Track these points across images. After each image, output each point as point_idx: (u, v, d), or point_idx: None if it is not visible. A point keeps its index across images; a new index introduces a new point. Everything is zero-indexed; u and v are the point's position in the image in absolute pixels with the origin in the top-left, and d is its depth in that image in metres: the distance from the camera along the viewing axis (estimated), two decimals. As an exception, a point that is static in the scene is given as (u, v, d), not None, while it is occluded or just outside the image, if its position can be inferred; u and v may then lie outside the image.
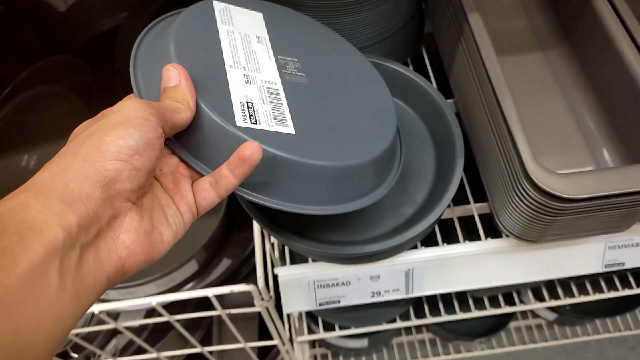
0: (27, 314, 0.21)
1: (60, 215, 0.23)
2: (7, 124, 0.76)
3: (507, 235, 0.48)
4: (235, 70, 0.36)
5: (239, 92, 0.35)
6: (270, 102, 0.36)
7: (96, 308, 0.50)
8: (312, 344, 0.91)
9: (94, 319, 0.63)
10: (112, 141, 0.25)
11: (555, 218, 0.41)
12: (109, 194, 0.25)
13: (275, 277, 0.54)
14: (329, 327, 0.70)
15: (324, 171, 0.34)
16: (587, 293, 0.71)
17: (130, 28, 0.74)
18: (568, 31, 0.51)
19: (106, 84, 0.76)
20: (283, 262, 0.51)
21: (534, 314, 0.95)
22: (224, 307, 0.52)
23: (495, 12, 0.54)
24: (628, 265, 0.52)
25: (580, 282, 0.73)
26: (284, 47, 0.41)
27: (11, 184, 0.75)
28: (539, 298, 0.74)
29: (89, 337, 0.61)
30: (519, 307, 0.69)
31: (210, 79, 0.34)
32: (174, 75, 0.31)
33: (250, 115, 0.33)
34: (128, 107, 0.28)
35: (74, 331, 0.56)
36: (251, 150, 0.29)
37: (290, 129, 0.35)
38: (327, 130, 0.37)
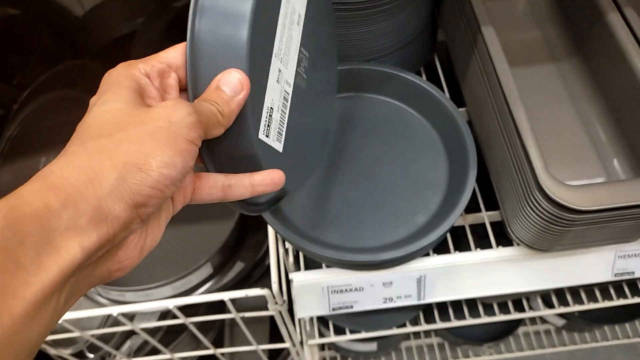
0: (23, 342, 0.20)
1: (84, 233, 0.21)
2: (25, 127, 0.78)
3: (518, 244, 0.48)
4: (276, 62, 0.31)
5: (270, 93, 0.30)
6: (281, 110, 0.32)
7: (114, 310, 0.51)
8: (322, 346, 0.91)
9: (109, 320, 0.65)
10: (156, 168, 0.23)
11: (566, 229, 0.41)
12: (132, 216, 0.23)
13: (288, 281, 0.55)
14: (339, 331, 0.71)
15: None
16: (596, 300, 0.71)
17: (146, 34, 0.76)
18: (580, 43, 0.52)
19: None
20: (297, 268, 0.52)
21: (543, 320, 0.95)
22: (237, 309, 0.53)
23: (508, 24, 0.55)
24: (638, 274, 0.52)
25: (590, 289, 0.73)
26: (306, 35, 0.34)
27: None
28: (548, 304, 0.74)
29: (105, 338, 0.63)
30: (528, 314, 0.70)
31: (256, 70, 0.28)
32: (237, 87, 0.27)
33: (267, 126, 0.30)
34: (179, 118, 0.25)
35: (91, 332, 0.57)
36: (280, 177, 0.30)
37: (280, 146, 0.32)
38: (301, 147, 0.36)
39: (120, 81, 0.28)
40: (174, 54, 0.30)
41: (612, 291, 0.74)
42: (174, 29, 0.75)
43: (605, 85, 0.49)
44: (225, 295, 0.50)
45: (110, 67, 0.88)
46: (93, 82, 0.89)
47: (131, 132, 0.24)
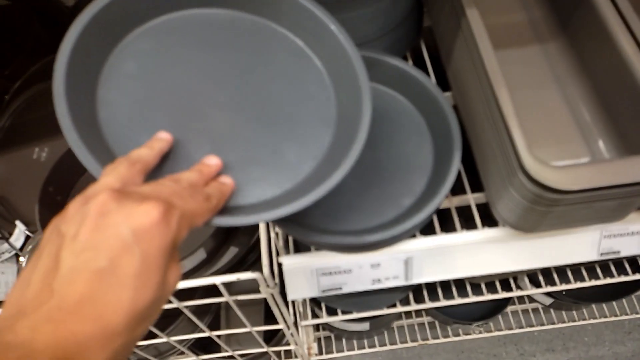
0: None
1: None
2: (17, 117, 0.78)
3: (503, 225, 0.49)
4: None
5: None
6: None
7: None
8: (316, 327, 0.93)
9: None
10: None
11: (549, 209, 0.42)
12: None
13: (279, 265, 0.56)
14: (332, 312, 0.73)
15: None
16: (583, 279, 0.73)
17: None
18: (565, 24, 0.52)
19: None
20: (287, 251, 0.53)
21: (531, 299, 0.97)
22: (231, 293, 0.54)
23: (493, 6, 0.55)
24: (624, 254, 0.53)
25: (576, 268, 0.75)
26: None
27: (24, 176, 0.77)
28: (535, 284, 0.76)
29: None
30: (515, 293, 0.72)
31: None
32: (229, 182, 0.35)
33: None
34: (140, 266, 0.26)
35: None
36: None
37: None
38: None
39: None
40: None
41: (598, 270, 0.76)
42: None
43: (590, 66, 0.50)
44: (218, 279, 0.51)
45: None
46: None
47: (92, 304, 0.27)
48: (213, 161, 0.35)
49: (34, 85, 0.79)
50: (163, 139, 0.35)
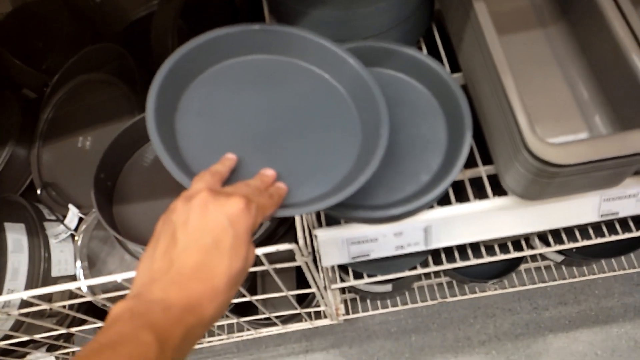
0: None
1: None
2: (59, 109, 0.84)
3: (511, 194, 0.55)
4: None
5: None
6: None
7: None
8: (342, 290, 1.01)
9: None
10: (212, 314, 0.34)
11: (551, 180, 0.48)
12: None
13: (311, 236, 0.63)
14: (358, 276, 0.80)
15: None
16: (589, 237, 0.78)
17: (162, 15, 0.80)
18: (566, 8, 0.56)
19: (144, 68, 0.83)
20: (319, 224, 0.60)
21: (543, 257, 1.02)
22: (268, 262, 0.61)
23: (499, -8, 0.59)
24: (622, 215, 0.58)
25: (583, 227, 0.80)
26: None
27: (71, 162, 0.84)
28: (545, 243, 0.82)
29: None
30: (526, 252, 0.78)
31: None
32: (283, 186, 0.44)
33: None
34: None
35: (118, 293, 0.66)
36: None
37: None
38: None
39: None
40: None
41: (604, 228, 0.81)
42: (188, 9, 0.79)
43: (588, 47, 0.54)
44: (260, 251, 0.58)
45: (130, 49, 0.94)
46: (114, 64, 0.95)
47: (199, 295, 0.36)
48: (269, 172, 0.44)
49: (72, 79, 0.84)
50: (230, 158, 0.44)
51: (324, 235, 0.56)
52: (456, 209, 0.56)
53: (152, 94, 0.45)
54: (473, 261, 0.74)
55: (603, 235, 0.78)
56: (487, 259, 0.74)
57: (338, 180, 0.47)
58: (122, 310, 0.32)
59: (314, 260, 0.65)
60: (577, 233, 0.80)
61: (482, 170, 0.58)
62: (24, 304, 0.64)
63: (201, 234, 0.35)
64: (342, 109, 0.51)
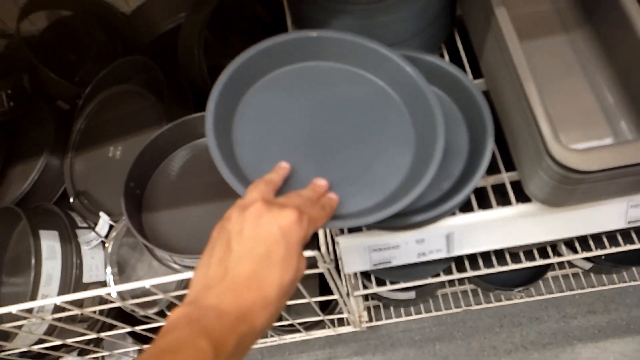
0: None
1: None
2: (91, 120, 0.87)
3: (535, 201, 0.55)
4: None
5: None
6: None
7: (190, 274, 0.61)
8: (365, 297, 1.01)
9: (184, 283, 0.76)
10: (264, 324, 0.34)
11: (575, 187, 0.47)
12: None
13: (333, 243, 0.63)
14: (380, 282, 0.80)
15: None
16: (618, 244, 0.77)
17: (189, 27, 0.83)
18: (590, 13, 0.56)
19: (172, 79, 0.86)
20: (341, 231, 0.61)
21: (571, 264, 1.00)
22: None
23: (521, -2, 0.59)
24: (651, 221, 0.58)
25: (612, 234, 0.79)
26: None
27: (102, 172, 0.87)
28: (572, 250, 0.81)
29: (182, 298, 0.73)
30: (553, 260, 0.77)
31: None
32: (334, 197, 0.44)
33: None
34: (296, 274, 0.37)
35: (171, 293, 0.68)
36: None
37: None
38: None
39: None
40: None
41: (633, 235, 0.79)
42: (214, 21, 0.81)
43: (613, 52, 0.54)
44: (283, 258, 0.59)
45: (158, 61, 0.97)
46: (143, 76, 0.98)
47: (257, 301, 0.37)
48: (321, 182, 0.45)
49: (103, 89, 0.87)
50: (284, 167, 0.45)
51: (345, 242, 0.57)
52: (479, 216, 0.55)
53: (211, 102, 0.46)
54: (497, 268, 0.73)
55: (632, 242, 0.77)
56: (511, 266, 0.73)
57: (390, 192, 0.47)
58: (179, 316, 0.33)
59: (336, 267, 0.66)
60: (605, 240, 0.79)
61: (505, 177, 0.58)
62: (57, 309, 0.67)
63: (255, 244, 0.36)
64: (396, 118, 0.51)
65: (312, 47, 0.52)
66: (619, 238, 0.78)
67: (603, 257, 0.90)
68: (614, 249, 0.75)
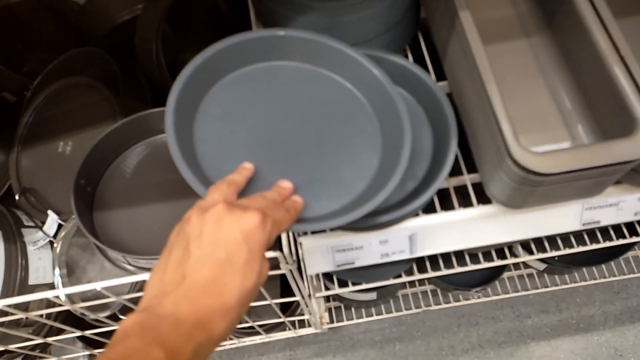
0: None
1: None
2: (39, 113, 0.83)
3: (496, 202, 0.55)
4: None
5: None
6: None
7: (146, 276, 0.59)
8: (327, 298, 1.01)
9: (138, 285, 0.73)
10: (223, 331, 0.33)
11: (535, 188, 0.48)
12: None
13: (296, 243, 0.62)
14: (342, 284, 0.80)
15: None
16: (571, 246, 0.79)
17: (146, 19, 0.80)
18: (549, 19, 0.57)
19: (128, 72, 0.82)
20: (304, 232, 0.59)
21: (525, 265, 1.04)
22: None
23: (484, 3, 0.60)
24: (603, 223, 0.59)
25: (565, 236, 0.82)
26: None
27: (51, 168, 0.82)
28: (528, 251, 0.83)
29: (136, 301, 0.70)
30: (509, 260, 0.78)
31: None
32: (299, 200, 0.42)
33: None
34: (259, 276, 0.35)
35: (124, 296, 0.65)
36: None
37: None
38: None
39: None
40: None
41: (586, 237, 0.82)
42: (173, 14, 0.79)
43: (571, 58, 0.55)
44: (243, 259, 0.57)
45: (114, 53, 0.93)
46: (97, 68, 0.93)
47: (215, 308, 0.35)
48: (286, 184, 0.43)
49: (52, 82, 0.83)
50: (248, 167, 0.44)
51: (309, 243, 0.56)
52: (441, 217, 0.56)
53: (172, 98, 0.44)
54: (457, 269, 0.74)
55: (585, 244, 0.79)
56: (471, 267, 0.74)
57: (357, 195, 0.46)
58: (132, 323, 0.31)
59: (299, 268, 0.65)
60: (559, 241, 0.81)
61: (467, 179, 0.58)
62: (-1, 312, 0.62)
63: (215, 248, 0.34)
64: (363, 120, 0.50)
65: (278, 46, 0.50)
66: (572, 240, 0.81)
67: (556, 258, 0.93)
68: (568, 250, 0.78)
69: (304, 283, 0.70)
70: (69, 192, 0.65)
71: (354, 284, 0.78)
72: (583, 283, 1.02)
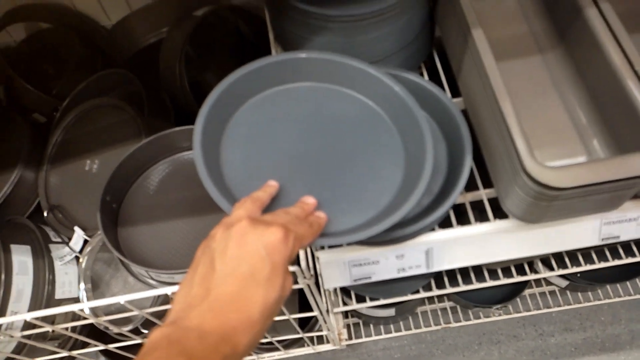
0: None
1: None
2: (68, 133, 0.86)
3: (512, 217, 0.55)
4: None
5: None
6: None
7: (168, 290, 0.60)
8: (346, 314, 1.00)
9: (159, 299, 0.74)
10: (247, 345, 0.33)
11: (551, 203, 0.48)
12: None
13: (313, 258, 0.63)
14: (360, 299, 0.80)
15: None
16: (592, 262, 0.78)
17: (170, 42, 0.83)
18: (563, 35, 0.58)
19: (153, 93, 0.85)
20: (321, 247, 0.60)
21: (548, 282, 1.02)
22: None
23: (497, 20, 0.61)
24: (623, 238, 0.59)
25: (586, 252, 0.80)
26: None
27: (78, 185, 0.85)
28: (549, 267, 0.82)
29: (157, 315, 0.72)
30: (529, 276, 0.78)
31: None
32: (323, 215, 0.43)
33: None
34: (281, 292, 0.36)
35: (147, 310, 0.66)
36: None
37: None
38: None
39: None
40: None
41: (607, 253, 0.81)
42: (196, 36, 0.82)
43: (585, 73, 0.55)
44: (262, 273, 0.58)
45: (139, 74, 0.97)
46: (123, 89, 0.97)
47: (241, 312, 0.36)
48: (310, 200, 0.45)
49: (80, 103, 0.86)
50: (272, 185, 0.45)
51: (326, 257, 0.57)
52: (457, 232, 0.56)
53: (200, 119, 0.46)
54: (476, 285, 0.73)
55: (606, 260, 0.78)
56: (490, 283, 0.74)
57: (379, 210, 0.47)
58: (159, 337, 0.32)
59: (316, 283, 0.65)
60: (580, 257, 0.80)
61: (483, 194, 0.59)
62: (27, 325, 0.64)
63: (239, 263, 0.35)
64: (385, 137, 0.51)
65: (300, 67, 0.52)
66: (594, 256, 0.80)
67: (579, 275, 0.92)
68: (589, 267, 0.77)
69: (321, 298, 0.70)
70: (94, 209, 0.67)
71: (371, 299, 0.78)
72: (607, 300, 0.99)
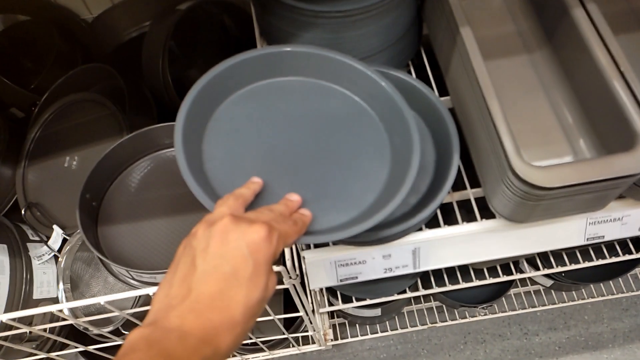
0: None
1: None
2: (46, 128, 0.84)
3: (499, 217, 0.55)
4: None
5: None
6: None
7: (150, 290, 0.59)
8: (331, 314, 1.00)
9: (141, 300, 0.72)
10: (229, 346, 0.32)
11: (537, 203, 0.48)
12: None
13: (299, 257, 0.62)
14: (346, 299, 0.79)
15: None
16: (577, 261, 0.79)
17: (153, 36, 0.81)
18: (550, 35, 0.58)
19: (135, 88, 0.83)
20: (307, 246, 0.59)
21: (532, 281, 1.02)
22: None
23: (485, 19, 0.61)
24: (608, 238, 0.59)
25: (571, 251, 0.81)
26: None
27: (57, 182, 0.83)
28: (534, 266, 0.82)
29: (139, 316, 0.70)
30: (515, 276, 0.78)
31: None
32: (308, 213, 0.42)
33: None
34: (266, 290, 0.35)
35: (127, 311, 0.65)
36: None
37: None
38: None
39: None
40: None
41: (592, 253, 0.81)
42: (180, 31, 0.80)
43: (572, 73, 0.55)
44: (246, 273, 0.57)
45: (120, 70, 0.94)
46: (104, 84, 0.95)
47: (226, 310, 0.35)
48: (294, 197, 0.43)
49: (59, 98, 0.84)
50: (256, 182, 0.44)
51: (312, 257, 0.56)
52: (444, 231, 0.56)
53: (181, 114, 0.44)
54: (462, 285, 0.73)
55: (591, 260, 0.79)
56: (476, 282, 0.74)
57: (364, 208, 0.46)
58: (138, 338, 0.31)
59: (302, 283, 0.64)
60: (565, 257, 0.80)
61: (470, 193, 0.58)
62: (3, 327, 0.62)
63: (220, 261, 0.34)
64: (372, 134, 0.50)
65: (286, 61, 0.51)
66: (579, 255, 0.80)
67: (563, 274, 0.92)
68: (574, 266, 0.77)
69: (307, 298, 0.69)
70: (74, 207, 0.65)
71: (357, 299, 0.77)
72: (591, 300, 1.00)
